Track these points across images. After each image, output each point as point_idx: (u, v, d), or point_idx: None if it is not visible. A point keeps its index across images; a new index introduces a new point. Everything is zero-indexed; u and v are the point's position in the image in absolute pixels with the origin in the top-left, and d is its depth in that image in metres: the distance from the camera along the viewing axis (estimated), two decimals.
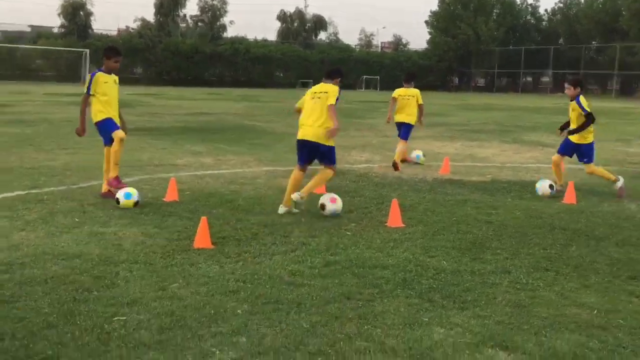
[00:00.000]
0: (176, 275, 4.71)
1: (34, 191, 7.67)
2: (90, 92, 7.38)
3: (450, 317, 4.02)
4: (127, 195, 6.93)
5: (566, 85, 8.87)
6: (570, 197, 7.88)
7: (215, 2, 63.77)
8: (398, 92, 10.89)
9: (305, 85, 60.82)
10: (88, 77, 7.58)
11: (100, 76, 7.44)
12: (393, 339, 3.67)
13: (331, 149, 7.04)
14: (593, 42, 66.04)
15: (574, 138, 8.45)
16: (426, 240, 5.88)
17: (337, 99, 6.84)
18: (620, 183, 8.40)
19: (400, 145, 10.67)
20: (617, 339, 3.74)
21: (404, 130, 10.80)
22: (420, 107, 10.75)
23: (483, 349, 3.57)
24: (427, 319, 3.98)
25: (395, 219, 6.44)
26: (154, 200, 7.38)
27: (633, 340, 3.73)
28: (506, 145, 14.54)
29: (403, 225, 6.39)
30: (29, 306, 4.00)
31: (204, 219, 5.59)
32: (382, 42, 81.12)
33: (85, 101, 7.47)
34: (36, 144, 12.40)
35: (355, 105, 30.39)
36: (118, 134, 7.36)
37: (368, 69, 65.27)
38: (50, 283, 4.43)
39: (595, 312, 4.16)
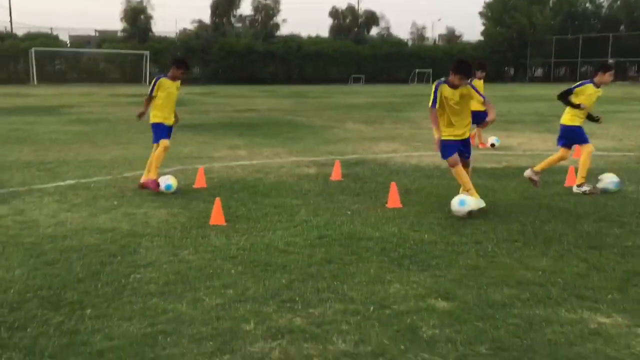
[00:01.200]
0: (188, 245, 5.57)
1: (83, 180, 8.75)
2: (153, 95, 8.12)
3: (411, 277, 4.70)
4: (167, 186, 7.84)
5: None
6: (570, 180, 8.30)
7: (268, 2, 65.18)
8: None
9: (357, 81, 61.53)
10: (153, 80, 8.31)
11: (164, 81, 8.14)
12: (354, 292, 4.39)
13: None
14: None
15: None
16: (417, 218, 6.53)
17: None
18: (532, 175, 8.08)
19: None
20: (548, 292, 4.34)
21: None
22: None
23: (427, 299, 4.24)
24: (389, 278, 4.68)
25: (394, 200, 7.11)
26: (185, 187, 8.30)
27: (561, 293, 4.31)
28: (536, 135, 14.82)
29: (401, 206, 7.05)
30: (65, 267, 4.94)
31: (218, 199, 6.45)
32: (432, 36, 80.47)
33: (148, 102, 8.24)
34: (92, 140, 13.65)
35: (399, 99, 30.83)
36: (164, 142, 8.11)
37: (421, 63, 65.14)
38: (84, 250, 5.38)
39: (540, 273, 4.74)
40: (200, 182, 8.33)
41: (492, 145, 12.49)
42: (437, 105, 6.71)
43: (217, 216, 6.34)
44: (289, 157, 11.13)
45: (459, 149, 6.82)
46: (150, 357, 3.42)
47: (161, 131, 8.22)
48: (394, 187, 7.20)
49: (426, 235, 5.85)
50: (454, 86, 6.67)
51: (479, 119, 11.44)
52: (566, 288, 4.43)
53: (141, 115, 8.43)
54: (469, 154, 6.99)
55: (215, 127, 16.59)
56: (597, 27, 69.79)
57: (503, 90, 43.31)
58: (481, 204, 6.62)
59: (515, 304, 4.14)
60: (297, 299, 4.26)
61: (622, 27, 67.57)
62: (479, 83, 12.13)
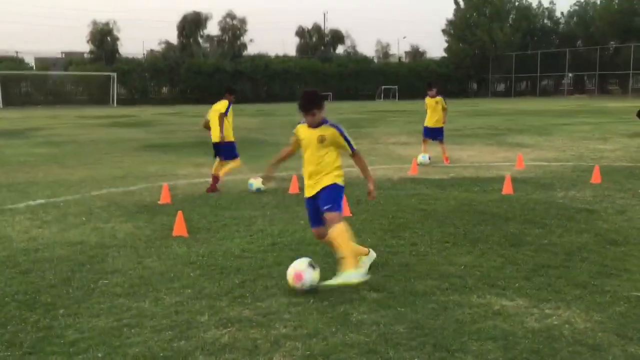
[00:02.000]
0: (152, 254, 6.12)
1: (52, 199, 9.21)
2: (226, 115, 9.93)
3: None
4: (250, 185, 9.70)
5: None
6: (507, 188, 9.08)
7: (235, 22, 65.95)
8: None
9: (325, 98, 62.50)
10: (227, 102, 10.00)
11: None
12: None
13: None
14: (611, 43, 66.21)
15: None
16: (363, 225, 7.19)
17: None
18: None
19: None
20: (465, 282, 5.02)
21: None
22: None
23: (361, 292, 4.87)
24: (330, 276, 5.29)
25: (343, 209, 7.75)
26: (151, 203, 8.83)
27: (476, 283, 4.99)
28: (486, 148, 15.70)
29: (350, 214, 7.70)
30: (38, 275, 5.45)
31: (180, 212, 7.02)
32: (398, 53, 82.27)
33: (221, 118, 9.91)
34: (60, 161, 14.06)
35: (362, 116, 31.71)
36: (238, 160, 10.22)
37: (386, 79, 66.55)
38: (56, 261, 5.89)
39: (462, 267, 5.43)
40: (165, 198, 8.87)
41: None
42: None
43: (179, 228, 6.90)
44: (251, 173, 11.71)
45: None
46: (116, 345, 3.97)
47: (234, 148, 10.25)
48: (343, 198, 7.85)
49: (368, 239, 6.49)
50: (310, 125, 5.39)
51: (434, 134, 12.41)
52: (481, 279, 5.12)
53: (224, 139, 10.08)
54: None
55: (181, 146, 17.11)
56: (556, 42, 72.26)
57: (465, 105, 44.68)
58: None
59: (435, 292, 4.81)
60: (247, 295, 4.86)
61: (579, 42, 70.06)
62: (430, 101, 12.89)
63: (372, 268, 5.46)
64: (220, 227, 7.24)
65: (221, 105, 10.00)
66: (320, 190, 5.20)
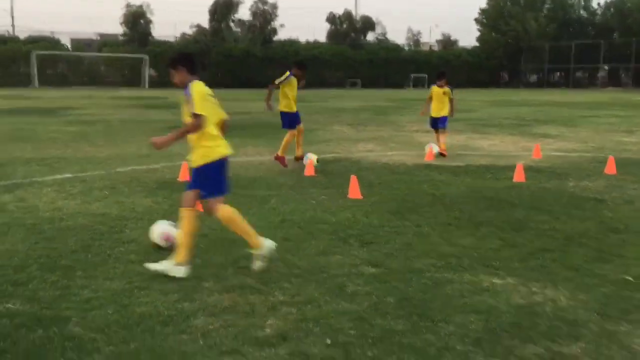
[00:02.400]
0: None
1: (79, 174, 9.63)
2: (280, 85, 10.32)
3: (352, 251, 5.58)
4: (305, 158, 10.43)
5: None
6: (519, 176, 9.19)
7: (266, 7, 66.18)
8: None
9: (354, 85, 62.51)
10: (287, 74, 10.43)
11: (293, 79, 10.41)
12: (302, 261, 5.27)
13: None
14: None
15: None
16: (372, 207, 7.41)
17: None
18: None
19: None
20: (461, 261, 5.22)
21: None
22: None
23: (360, 267, 5.12)
24: (333, 252, 5.56)
25: (354, 191, 7.99)
26: (171, 180, 9.18)
27: (471, 263, 5.20)
28: (508, 137, 15.72)
29: (361, 197, 7.93)
30: (61, 242, 5.83)
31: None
32: (429, 41, 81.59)
33: (270, 86, 10.48)
34: (90, 140, 14.55)
35: (389, 103, 31.74)
36: (300, 127, 10.75)
37: (417, 68, 66.21)
38: (78, 229, 6.26)
39: (461, 248, 5.63)
40: (184, 175, 9.21)
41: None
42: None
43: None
44: (270, 155, 12.01)
45: None
46: (126, 304, 4.29)
47: (296, 118, 10.79)
48: (354, 180, 8.09)
49: (375, 220, 6.72)
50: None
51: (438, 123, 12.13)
52: (477, 259, 5.31)
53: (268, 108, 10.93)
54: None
55: None
56: (591, 34, 70.84)
57: (495, 95, 44.31)
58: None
59: (430, 270, 5.03)
60: (251, 266, 5.14)
61: (615, 34, 68.60)
62: (438, 91, 12.27)
63: (374, 244, 5.71)
64: (236, 204, 7.48)
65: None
66: (193, 170, 5.10)
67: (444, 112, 12.23)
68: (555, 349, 3.65)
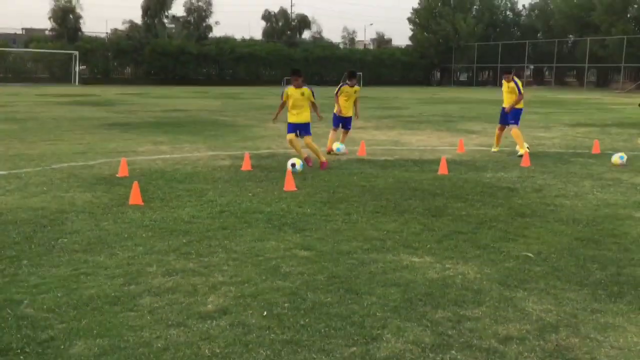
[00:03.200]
0: (109, 218, 6.70)
1: (14, 171, 9.65)
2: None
3: (285, 237, 6.03)
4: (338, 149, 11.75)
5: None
6: (443, 169, 9.88)
7: (200, 4, 65.62)
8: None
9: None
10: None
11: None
12: (239, 247, 5.68)
13: None
14: (570, 36, 68.17)
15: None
16: (305, 198, 7.88)
17: None
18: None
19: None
20: (384, 244, 5.76)
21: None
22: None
23: (293, 250, 5.57)
24: (268, 238, 5.99)
25: (289, 184, 8.44)
26: (109, 176, 9.35)
27: (394, 245, 5.75)
28: (435, 133, 16.56)
29: (296, 189, 8.39)
30: (2, 234, 5.99)
31: (136, 182, 7.61)
32: (364, 40, 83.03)
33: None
34: (21, 137, 14.36)
35: (323, 100, 32.30)
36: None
37: (351, 66, 67.01)
38: (19, 223, 6.43)
39: (385, 232, 6.18)
40: (123, 171, 9.40)
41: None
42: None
43: (135, 197, 7.48)
44: (207, 151, 12.31)
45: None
46: (74, 288, 4.58)
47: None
48: (289, 173, 8.54)
49: (308, 210, 7.19)
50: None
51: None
52: (399, 242, 5.87)
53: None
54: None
55: (141, 125, 17.51)
56: (517, 34, 73.95)
57: (426, 93, 45.73)
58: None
59: (357, 251, 5.54)
60: (192, 252, 5.51)
61: (539, 35, 71.89)
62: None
63: (306, 231, 6.18)
64: (174, 197, 7.84)
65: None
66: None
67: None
68: (461, 312, 4.21)
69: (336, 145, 12.25)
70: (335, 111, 12.62)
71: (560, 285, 4.76)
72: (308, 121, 10.56)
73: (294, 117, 10.46)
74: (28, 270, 4.96)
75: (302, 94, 10.30)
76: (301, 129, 10.52)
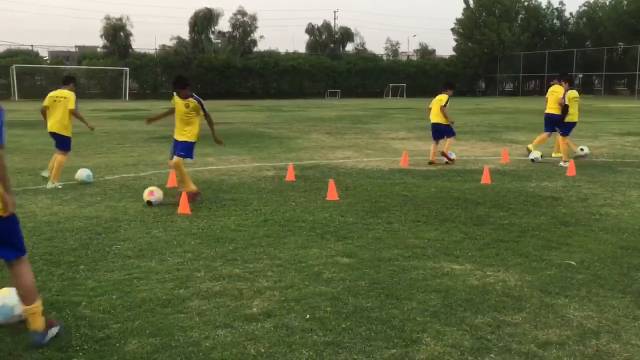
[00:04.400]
0: (159, 226, 6.99)
1: (69, 182, 10.11)
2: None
3: (328, 245, 6.18)
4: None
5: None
6: (485, 178, 9.87)
7: (245, 19, 66.84)
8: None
9: (334, 95, 63.35)
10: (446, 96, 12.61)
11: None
12: (283, 254, 5.85)
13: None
14: (620, 44, 66.49)
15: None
16: (347, 207, 8.02)
17: None
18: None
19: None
20: (425, 251, 5.84)
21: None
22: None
23: (335, 257, 5.71)
24: (311, 245, 6.15)
25: (332, 193, 8.60)
26: (159, 186, 9.68)
27: (435, 252, 5.82)
28: (479, 143, 16.48)
29: (338, 199, 8.53)
30: (61, 241, 6.34)
31: (184, 193, 7.89)
32: (407, 51, 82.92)
33: (442, 108, 12.47)
34: (76, 150, 14.92)
35: (368, 112, 32.48)
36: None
37: (395, 77, 67.20)
38: (75, 230, 6.78)
39: (426, 240, 6.25)
40: (172, 182, 9.74)
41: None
42: None
43: (183, 206, 7.76)
44: (252, 162, 12.60)
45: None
46: (128, 291, 4.84)
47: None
48: (331, 183, 8.70)
49: (350, 219, 7.33)
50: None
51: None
52: (440, 249, 5.94)
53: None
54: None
55: None
56: (564, 42, 72.59)
57: (470, 103, 45.31)
58: None
59: (398, 259, 5.64)
60: (238, 258, 5.72)
61: (587, 43, 70.38)
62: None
63: (348, 239, 6.32)
64: (220, 207, 8.10)
65: (442, 97, 12.56)
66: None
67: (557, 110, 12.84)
68: (501, 318, 4.27)
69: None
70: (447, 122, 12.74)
71: (603, 292, 4.76)
72: (189, 140, 8.61)
73: (175, 133, 8.73)
74: (85, 274, 5.25)
75: (187, 106, 8.53)
76: (177, 147, 8.58)
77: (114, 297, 4.69)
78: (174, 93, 8.70)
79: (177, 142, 8.62)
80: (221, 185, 9.74)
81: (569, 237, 6.39)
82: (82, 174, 10.20)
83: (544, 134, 13.52)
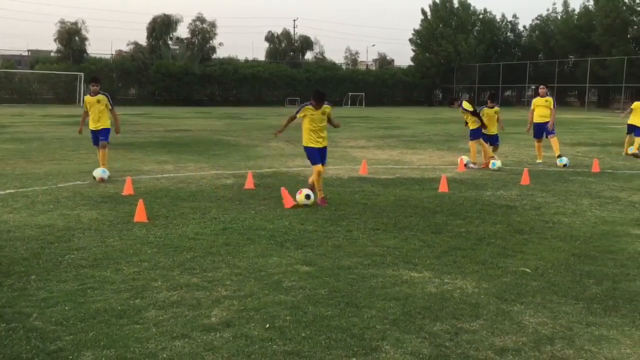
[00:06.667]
0: (114, 235, 6.83)
1: (21, 190, 9.80)
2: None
3: (287, 253, 6.14)
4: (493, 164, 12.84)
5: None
6: (443, 187, 10.00)
7: (205, 26, 66.29)
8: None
9: (293, 103, 63.33)
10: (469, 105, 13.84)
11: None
12: (242, 262, 5.79)
13: None
14: (570, 57, 68.65)
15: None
16: (307, 215, 8.00)
17: None
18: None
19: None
20: (385, 259, 5.88)
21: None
22: None
23: (295, 266, 5.69)
24: (271, 254, 6.10)
25: (288, 201, 8.57)
26: (115, 194, 9.50)
27: (394, 260, 5.86)
28: (436, 152, 16.72)
29: (295, 203, 8.51)
30: (11, 250, 6.13)
31: (141, 200, 7.74)
32: (366, 61, 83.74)
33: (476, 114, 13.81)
34: (27, 156, 14.55)
35: None
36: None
37: (354, 86, 67.69)
38: (26, 240, 6.56)
39: (385, 248, 6.29)
40: (128, 190, 9.54)
41: None
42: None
43: (140, 214, 7.61)
44: (211, 170, 12.46)
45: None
46: (81, 302, 4.70)
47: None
48: (284, 191, 8.68)
49: (310, 227, 7.31)
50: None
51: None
52: (399, 257, 5.98)
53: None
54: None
55: (146, 145, 17.72)
56: (518, 54, 74.51)
57: (428, 113, 46.00)
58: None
59: (357, 267, 5.65)
60: (196, 267, 5.63)
61: (540, 55, 72.40)
62: (489, 111, 14.35)
63: (308, 247, 6.30)
64: (178, 215, 7.97)
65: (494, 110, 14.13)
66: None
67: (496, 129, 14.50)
68: (459, 325, 4.31)
69: (493, 161, 13.28)
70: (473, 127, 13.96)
71: (557, 299, 4.87)
72: (107, 127, 11.42)
73: (93, 124, 11.42)
74: (36, 284, 5.09)
75: (98, 102, 11.33)
76: (100, 134, 11.35)
77: (66, 308, 4.55)
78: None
79: (96, 131, 11.60)
80: (179, 193, 9.59)
81: (523, 244, 6.53)
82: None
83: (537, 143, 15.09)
